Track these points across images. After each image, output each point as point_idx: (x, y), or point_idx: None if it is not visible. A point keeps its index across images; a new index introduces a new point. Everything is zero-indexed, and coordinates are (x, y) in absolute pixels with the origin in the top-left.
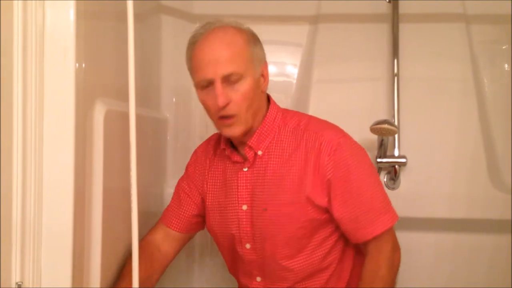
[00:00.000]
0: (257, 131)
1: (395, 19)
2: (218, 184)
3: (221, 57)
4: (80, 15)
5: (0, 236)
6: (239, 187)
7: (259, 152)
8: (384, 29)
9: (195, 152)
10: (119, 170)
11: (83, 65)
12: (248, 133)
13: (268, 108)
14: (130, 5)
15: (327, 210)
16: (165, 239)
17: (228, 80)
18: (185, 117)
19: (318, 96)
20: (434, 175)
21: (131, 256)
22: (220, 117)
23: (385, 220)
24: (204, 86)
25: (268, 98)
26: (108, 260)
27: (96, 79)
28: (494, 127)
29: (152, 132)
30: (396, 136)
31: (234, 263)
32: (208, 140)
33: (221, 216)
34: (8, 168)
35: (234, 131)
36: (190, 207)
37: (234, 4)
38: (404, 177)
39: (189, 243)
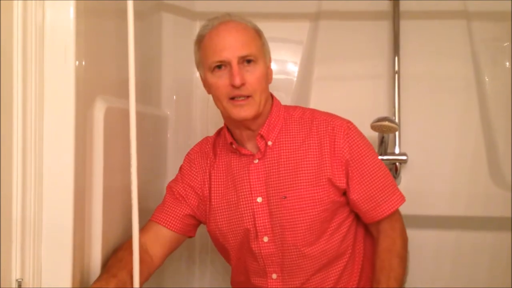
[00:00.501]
0: (267, 121)
1: (396, 17)
2: (223, 182)
3: (237, 40)
4: (80, 13)
5: (0, 233)
6: (251, 180)
7: (269, 143)
8: (385, 26)
9: (189, 155)
10: (120, 168)
11: (83, 62)
12: (257, 121)
13: (272, 102)
14: (130, 3)
15: (344, 192)
16: (155, 240)
17: (244, 61)
18: (186, 114)
19: (319, 93)
20: (435, 173)
21: (119, 252)
22: (232, 98)
23: (397, 198)
24: (216, 69)
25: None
26: (109, 256)
27: (97, 77)
28: (495, 125)
29: (153, 129)
30: (397, 133)
31: (243, 264)
32: (203, 143)
33: (232, 213)
34: (8, 166)
35: (247, 112)
36: (184, 207)
37: (235, 1)
38: (405, 174)
39: (189, 244)
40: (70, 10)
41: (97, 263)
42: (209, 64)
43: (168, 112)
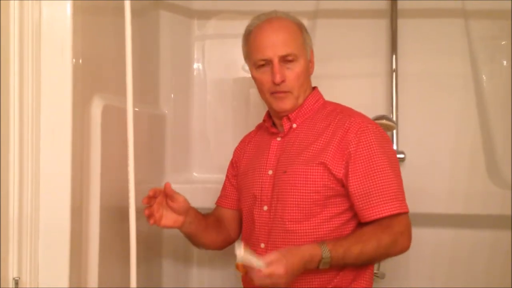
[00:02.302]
0: (299, 107)
1: (393, 15)
2: (252, 153)
3: (279, 39)
4: (77, 11)
5: None
6: (269, 155)
7: (294, 125)
8: (382, 25)
9: (241, 140)
10: (117, 166)
11: (80, 60)
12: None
13: (310, 92)
14: (127, 2)
15: (342, 184)
16: (220, 218)
17: (284, 60)
18: (183, 113)
19: None
20: (433, 171)
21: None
22: (273, 92)
23: (395, 205)
24: (260, 65)
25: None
26: (106, 255)
27: (94, 75)
28: (493, 123)
29: (150, 128)
30: (395, 131)
31: (248, 230)
32: (256, 126)
33: (248, 179)
34: (5, 164)
35: (286, 105)
36: (234, 184)
37: (232, 0)
38: (403, 172)
39: (187, 244)
40: (67, 8)
41: (94, 261)
42: (254, 61)
43: (166, 111)
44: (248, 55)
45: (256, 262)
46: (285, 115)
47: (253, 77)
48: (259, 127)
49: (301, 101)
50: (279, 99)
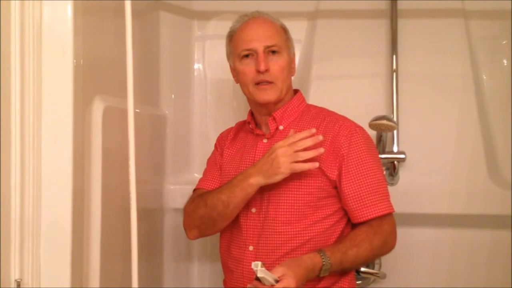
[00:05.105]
0: (284, 107)
1: (394, 15)
2: (236, 156)
3: (264, 32)
4: (78, 12)
5: None
6: (255, 156)
7: (281, 127)
8: (383, 25)
9: (220, 134)
10: (118, 167)
11: (81, 62)
12: (276, 107)
13: (294, 95)
14: (128, 2)
15: (335, 186)
16: None
17: (269, 51)
18: (184, 113)
19: (317, 92)
20: (433, 171)
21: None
22: (257, 83)
23: (386, 205)
24: (244, 56)
25: (295, 90)
26: (107, 256)
27: (95, 76)
28: (493, 123)
29: (151, 129)
30: (395, 132)
31: (229, 232)
32: (236, 124)
33: None
34: (7, 165)
35: (269, 95)
36: (218, 170)
37: (233, 0)
38: (403, 173)
39: (188, 244)
40: (67, 9)
41: (96, 262)
42: (238, 53)
43: (167, 111)
44: (232, 51)
45: (271, 277)
46: (268, 115)
47: (236, 71)
48: (239, 127)
49: (284, 95)
50: (262, 90)
